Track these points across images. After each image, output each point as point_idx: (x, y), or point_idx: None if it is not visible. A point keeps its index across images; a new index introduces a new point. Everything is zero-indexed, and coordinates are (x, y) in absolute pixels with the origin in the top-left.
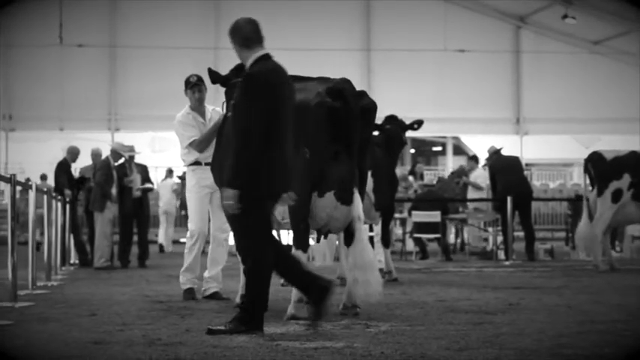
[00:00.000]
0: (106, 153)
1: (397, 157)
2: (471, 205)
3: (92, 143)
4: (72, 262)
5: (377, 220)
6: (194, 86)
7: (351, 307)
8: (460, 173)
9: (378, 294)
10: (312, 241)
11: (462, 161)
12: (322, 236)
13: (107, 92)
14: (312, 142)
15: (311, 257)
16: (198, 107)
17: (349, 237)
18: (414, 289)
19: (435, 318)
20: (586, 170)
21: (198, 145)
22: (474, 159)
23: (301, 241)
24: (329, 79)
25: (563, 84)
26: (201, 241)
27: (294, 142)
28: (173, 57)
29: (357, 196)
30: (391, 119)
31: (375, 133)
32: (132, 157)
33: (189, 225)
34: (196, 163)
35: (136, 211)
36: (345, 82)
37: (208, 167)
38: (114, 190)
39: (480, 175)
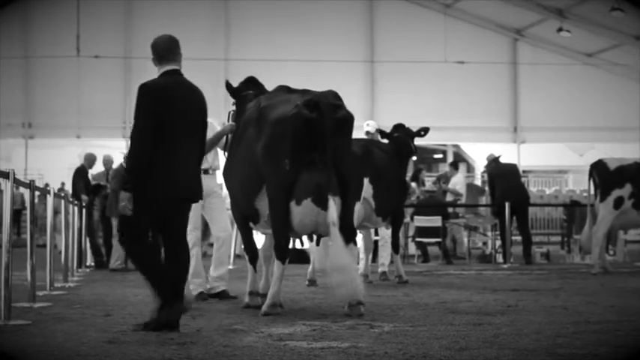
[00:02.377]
0: (119, 159)
1: (407, 164)
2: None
3: (107, 150)
4: (88, 264)
5: (380, 224)
6: None
7: (356, 305)
8: (440, 177)
9: (356, 295)
10: (310, 243)
11: (461, 168)
12: (318, 240)
13: (122, 101)
14: (290, 152)
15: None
16: None
17: (345, 237)
18: (416, 291)
19: (437, 319)
20: (591, 177)
21: None
22: (454, 165)
23: (280, 254)
24: (310, 91)
25: (559, 94)
26: (198, 246)
27: (194, 151)
28: (185, 68)
29: (331, 202)
30: (399, 127)
31: (385, 140)
32: None
33: None
34: None
35: None
36: (325, 95)
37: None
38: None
39: (459, 182)
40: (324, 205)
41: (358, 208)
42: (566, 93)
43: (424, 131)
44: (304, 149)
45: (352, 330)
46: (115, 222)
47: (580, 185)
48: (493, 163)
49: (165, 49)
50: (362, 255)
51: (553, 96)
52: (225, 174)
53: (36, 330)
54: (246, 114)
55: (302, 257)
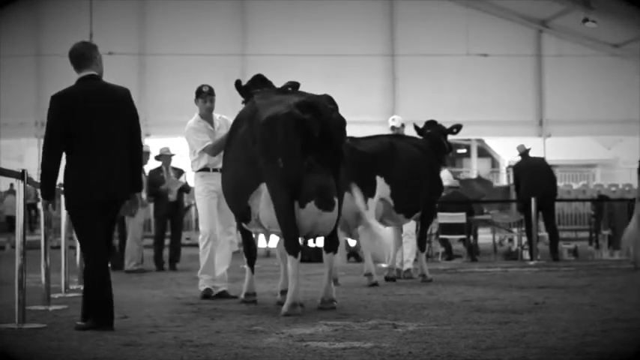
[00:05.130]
0: None
1: (440, 161)
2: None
3: None
4: None
5: (403, 221)
6: (207, 96)
7: (328, 302)
8: None
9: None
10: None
11: (486, 163)
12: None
13: (137, 98)
14: (283, 152)
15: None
16: (207, 116)
17: (330, 244)
18: (440, 290)
19: (462, 318)
20: (639, 173)
21: (212, 150)
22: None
23: (292, 248)
24: (305, 93)
25: (585, 86)
26: (213, 242)
27: (115, 154)
28: (201, 63)
29: (355, 191)
30: (431, 124)
31: (418, 136)
32: (168, 159)
33: (201, 227)
34: (205, 169)
35: (171, 214)
36: (324, 98)
37: (216, 173)
38: (144, 195)
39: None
40: (325, 207)
41: (374, 204)
42: (592, 85)
43: (457, 128)
44: (297, 149)
45: (375, 330)
46: (129, 222)
47: (608, 179)
48: (522, 155)
49: (78, 56)
50: (390, 251)
51: (579, 88)
52: (222, 173)
53: (51, 333)
54: (239, 113)
55: (320, 256)
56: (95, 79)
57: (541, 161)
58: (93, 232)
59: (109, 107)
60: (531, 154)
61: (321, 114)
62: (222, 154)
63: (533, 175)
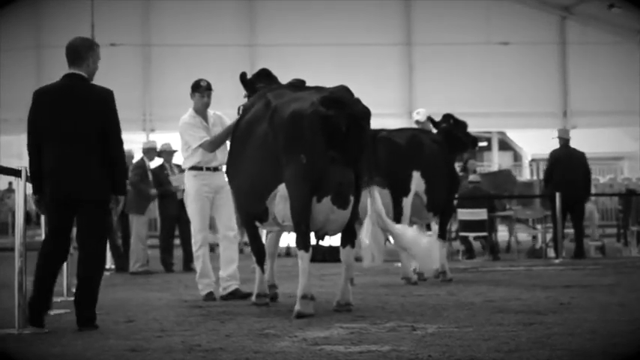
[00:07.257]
0: (139, 154)
1: (456, 156)
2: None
3: (126, 144)
4: (107, 267)
5: (431, 219)
6: (205, 90)
7: (345, 305)
8: None
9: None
10: (365, 241)
11: (508, 156)
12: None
13: (141, 92)
14: (308, 149)
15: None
16: (202, 111)
17: (346, 238)
18: (461, 290)
19: (484, 319)
20: None
21: (210, 146)
22: None
23: (303, 242)
24: (325, 88)
25: (611, 75)
26: (205, 246)
27: (85, 154)
28: (208, 55)
29: (375, 194)
30: (446, 118)
31: (434, 130)
32: (170, 155)
33: (193, 233)
34: (197, 167)
35: (180, 213)
36: (342, 91)
37: (209, 172)
38: (152, 190)
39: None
40: (340, 204)
41: (409, 204)
42: (619, 74)
43: (452, 118)
44: (322, 147)
45: (393, 332)
46: (133, 221)
47: (636, 172)
48: (562, 141)
49: (72, 52)
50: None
51: (605, 77)
52: (230, 173)
53: (53, 339)
54: (251, 111)
55: (336, 255)
56: (78, 79)
57: (579, 156)
58: (51, 229)
59: (85, 107)
60: (556, 146)
61: (345, 107)
62: (217, 152)
63: (566, 169)
